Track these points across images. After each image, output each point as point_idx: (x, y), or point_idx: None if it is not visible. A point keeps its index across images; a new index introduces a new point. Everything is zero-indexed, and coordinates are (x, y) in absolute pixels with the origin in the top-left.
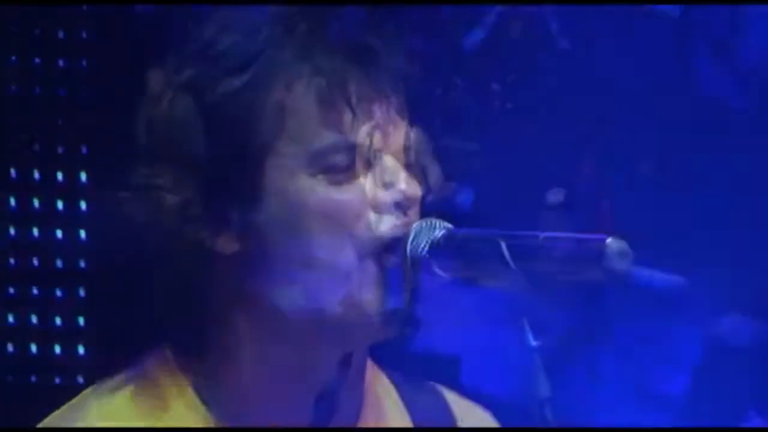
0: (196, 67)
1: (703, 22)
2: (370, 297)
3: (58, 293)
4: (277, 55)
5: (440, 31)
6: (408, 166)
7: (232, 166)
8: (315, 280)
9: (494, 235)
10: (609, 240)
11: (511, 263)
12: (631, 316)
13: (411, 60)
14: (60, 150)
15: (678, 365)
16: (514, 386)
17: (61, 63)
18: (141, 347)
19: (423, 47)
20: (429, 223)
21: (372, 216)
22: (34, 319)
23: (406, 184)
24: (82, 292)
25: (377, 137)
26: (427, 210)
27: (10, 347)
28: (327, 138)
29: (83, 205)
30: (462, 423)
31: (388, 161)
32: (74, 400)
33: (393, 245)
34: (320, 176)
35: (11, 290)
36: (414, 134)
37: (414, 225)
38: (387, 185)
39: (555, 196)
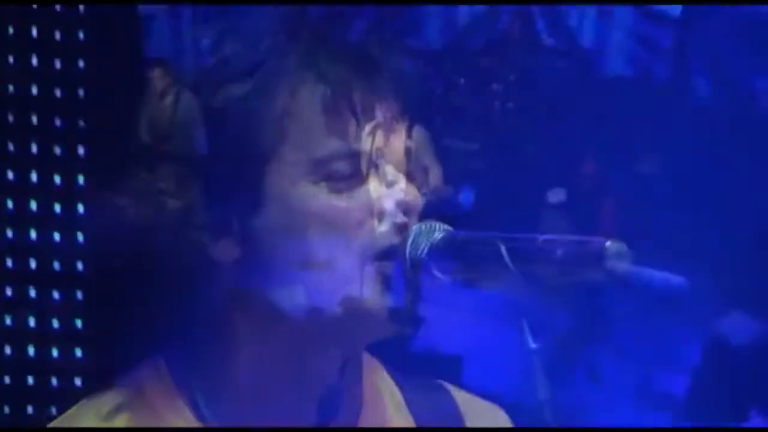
0: (201, 71)
1: (703, 25)
2: (369, 297)
3: (56, 296)
4: (281, 62)
5: (441, 31)
6: (409, 174)
7: (234, 171)
8: (315, 281)
9: (493, 237)
10: (608, 242)
11: (511, 265)
12: (631, 316)
13: (413, 65)
14: (57, 152)
15: (678, 365)
16: (514, 388)
17: (58, 64)
18: (139, 350)
19: (423, 47)
20: (428, 225)
21: (373, 223)
22: (31, 321)
23: (406, 192)
24: (80, 295)
25: (379, 145)
26: (427, 211)
27: (7, 349)
28: (330, 145)
29: (81, 208)
30: (471, 422)
31: (389, 169)
32: (65, 417)
33: (393, 249)
34: (322, 183)
35: (9, 292)
36: (415, 138)
37: (413, 227)
38: (388, 193)
39: (555, 196)
